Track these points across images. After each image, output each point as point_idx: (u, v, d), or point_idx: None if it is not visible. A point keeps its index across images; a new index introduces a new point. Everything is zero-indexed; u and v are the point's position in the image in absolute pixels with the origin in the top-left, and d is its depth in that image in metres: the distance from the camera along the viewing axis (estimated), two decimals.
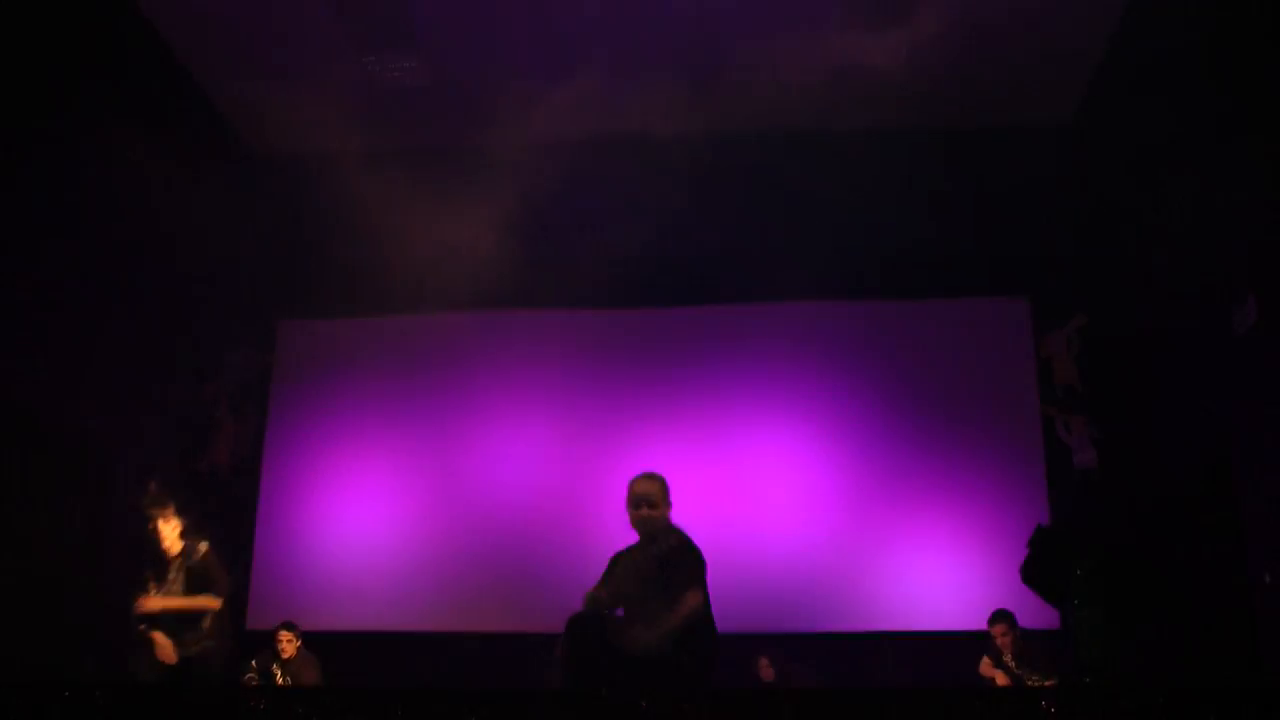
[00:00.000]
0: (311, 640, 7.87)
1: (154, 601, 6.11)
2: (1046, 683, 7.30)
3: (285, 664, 7.54)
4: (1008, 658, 7.42)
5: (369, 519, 9.35)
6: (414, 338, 9.75)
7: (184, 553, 6.26)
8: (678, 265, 9.46)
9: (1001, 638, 7.48)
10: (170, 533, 6.30)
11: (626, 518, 5.40)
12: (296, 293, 9.78)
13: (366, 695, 2.35)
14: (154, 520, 6.27)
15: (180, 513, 6.38)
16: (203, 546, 6.27)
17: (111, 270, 8.38)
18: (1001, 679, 7.40)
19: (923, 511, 8.89)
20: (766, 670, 8.15)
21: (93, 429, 8.07)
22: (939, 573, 8.77)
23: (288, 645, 7.62)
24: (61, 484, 7.79)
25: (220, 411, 9.78)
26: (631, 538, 5.58)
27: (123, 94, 7.96)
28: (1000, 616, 7.51)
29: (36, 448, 7.59)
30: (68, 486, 7.86)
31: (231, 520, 9.24)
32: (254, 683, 7.40)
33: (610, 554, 8.70)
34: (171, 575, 6.21)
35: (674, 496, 8.85)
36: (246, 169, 9.41)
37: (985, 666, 7.46)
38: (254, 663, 7.49)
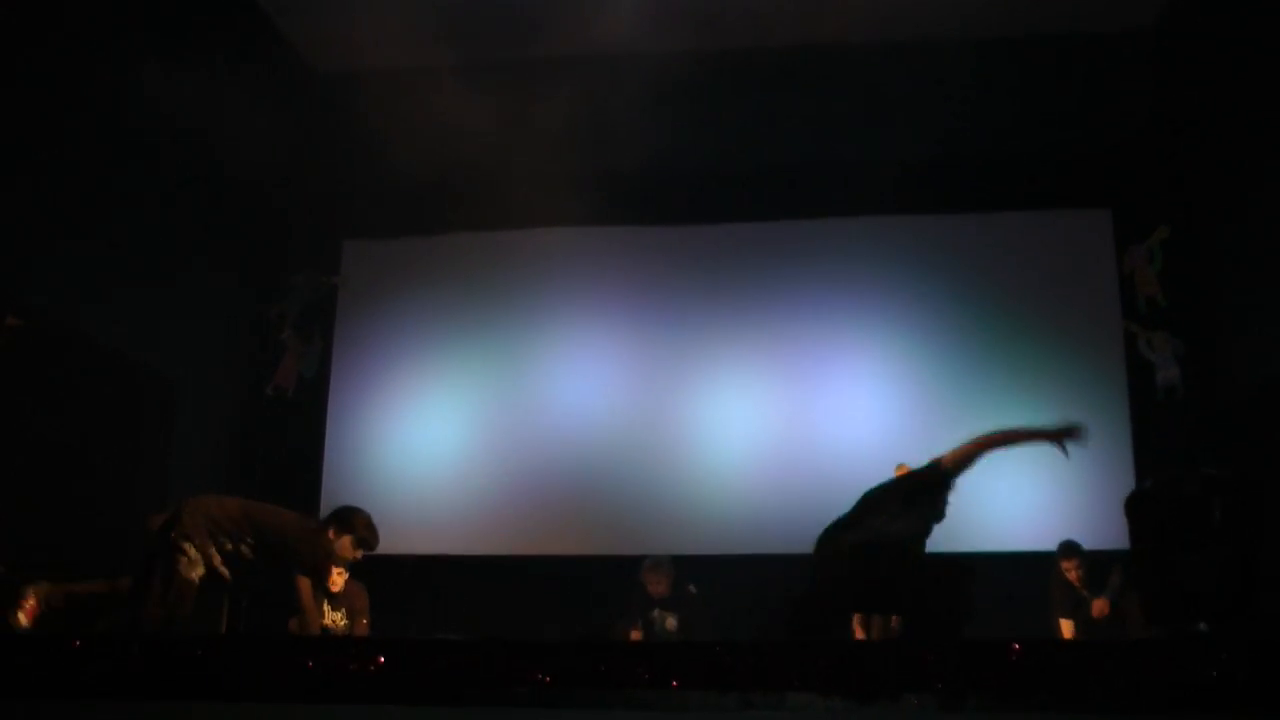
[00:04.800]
0: (380, 564, 7.82)
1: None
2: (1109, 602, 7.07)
3: (335, 599, 7.30)
4: (1084, 591, 7.22)
5: (438, 441, 9.31)
6: (480, 256, 9.63)
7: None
8: (750, 180, 9.28)
9: (1075, 572, 7.26)
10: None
11: None
12: (361, 212, 9.68)
13: (422, 646, 2.23)
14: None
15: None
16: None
17: (175, 196, 8.34)
18: (1069, 629, 7.15)
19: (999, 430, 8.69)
20: None
21: (158, 355, 8.08)
22: (1017, 493, 8.58)
23: (338, 578, 7.36)
24: (127, 412, 7.80)
25: (286, 334, 9.75)
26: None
27: (183, 17, 7.85)
28: (1072, 549, 7.24)
29: (101, 377, 7.60)
30: (134, 415, 7.87)
31: (299, 443, 9.26)
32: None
33: (686, 473, 8.72)
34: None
35: (747, 416, 8.79)
36: (309, 89, 9.27)
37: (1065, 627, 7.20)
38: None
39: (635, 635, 7.54)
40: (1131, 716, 2.04)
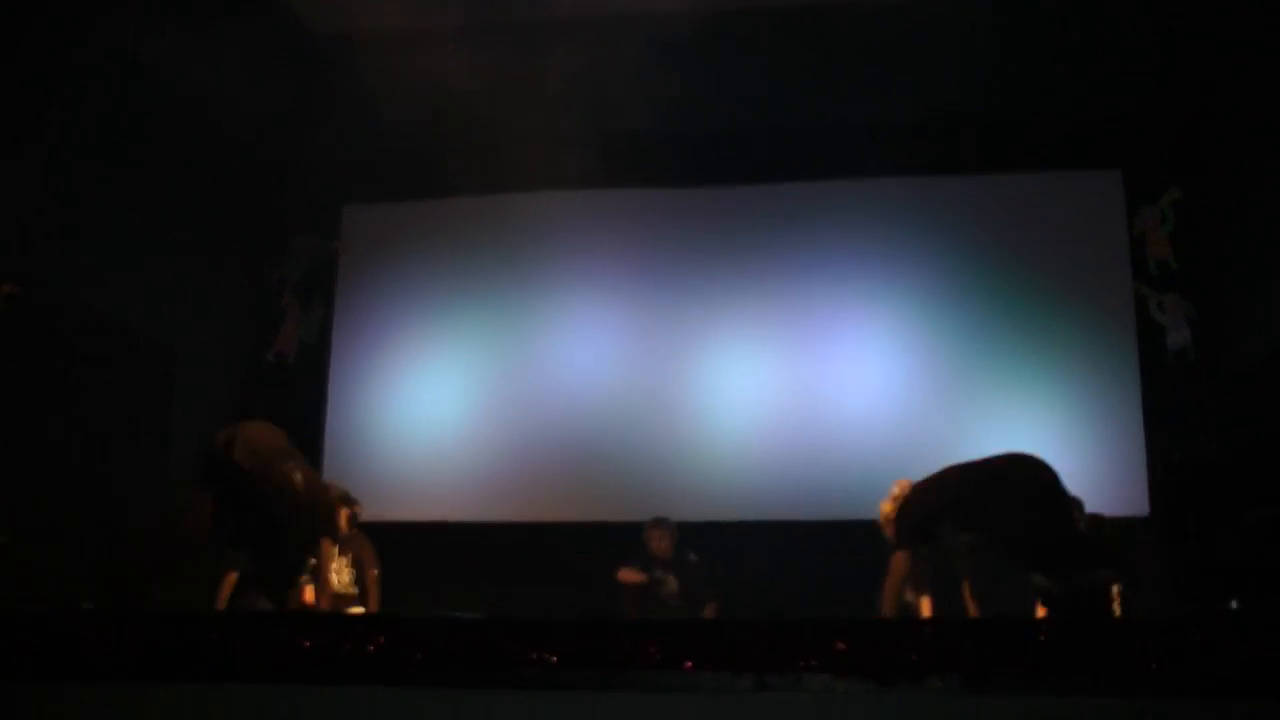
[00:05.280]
0: (383, 531, 7.77)
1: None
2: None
3: (342, 544, 7.26)
4: None
5: (440, 406, 9.23)
6: (482, 219, 9.51)
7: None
8: (754, 142, 9.17)
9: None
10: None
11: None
12: (361, 177, 9.58)
13: (425, 625, 2.15)
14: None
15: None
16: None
17: (173, 162, 8.24)
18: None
19: (1008, 395, 8.62)
20: None
21: (157, 323, 8.00)
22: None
23: (344, 524, 7.35)
24: (127, 380, 7.73)
25: (286, 300, 9.67)
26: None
27: None
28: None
29: (101, 345, 7.53)
30: (134, 382, 7.80)
31: (301, 410, 9.20)
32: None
33: (690, 439, 8.66)
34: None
35: (752, 381, 8.66)
36: (307, 51, 9.14)
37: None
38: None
39: (634, 578, 7.57)
40: (1162, 698, 1.96)
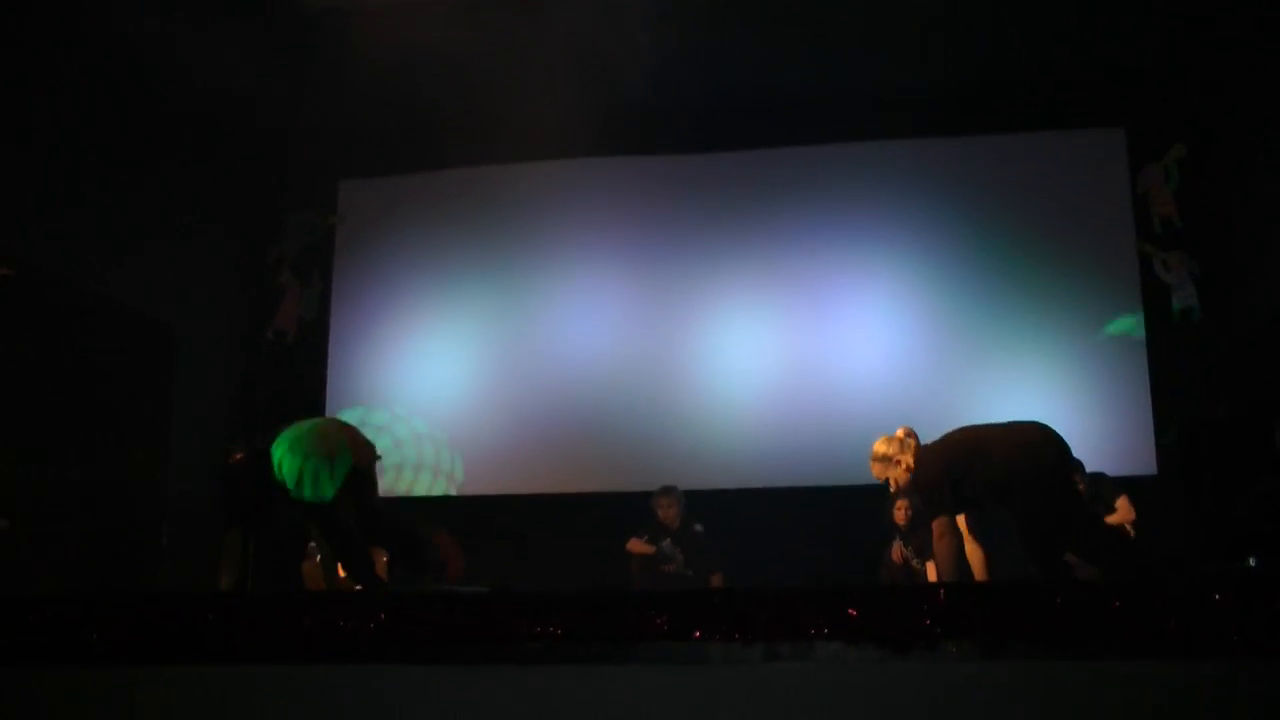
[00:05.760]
0: (387, 506, 7.73)
1: None
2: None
3: None
4: None
5: (441, 379, 9.20)
6: (480, 191, 9.45)
7: None
8: (756, 107, 9.08)
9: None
10: None
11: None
12: (357, 150, 9.52)
13: (425, 601, 2.10)
14: None
15: None
16: None
17: (168, 140, 8.19)
18: None
19: (1014, 357, 8.57)
20: None
21: (155, 303, 7.96)
22: (1030, 416, 8.46)
23: None
24: (128, 360, 7.70)
25: (284, 277, 9.61)
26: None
27: None
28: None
29: (99, 326, 7.48)
30: (134, 363, 7.76)
31: (301, 386, 9.17)
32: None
33: (694, 407, 8.63)
34: None
35: (755, 347, 8.59)
36: (298, 25, 9.07)
37: None
38: None
39: (643, 549, 7.61)
40: (1179, 659, 1.92)
